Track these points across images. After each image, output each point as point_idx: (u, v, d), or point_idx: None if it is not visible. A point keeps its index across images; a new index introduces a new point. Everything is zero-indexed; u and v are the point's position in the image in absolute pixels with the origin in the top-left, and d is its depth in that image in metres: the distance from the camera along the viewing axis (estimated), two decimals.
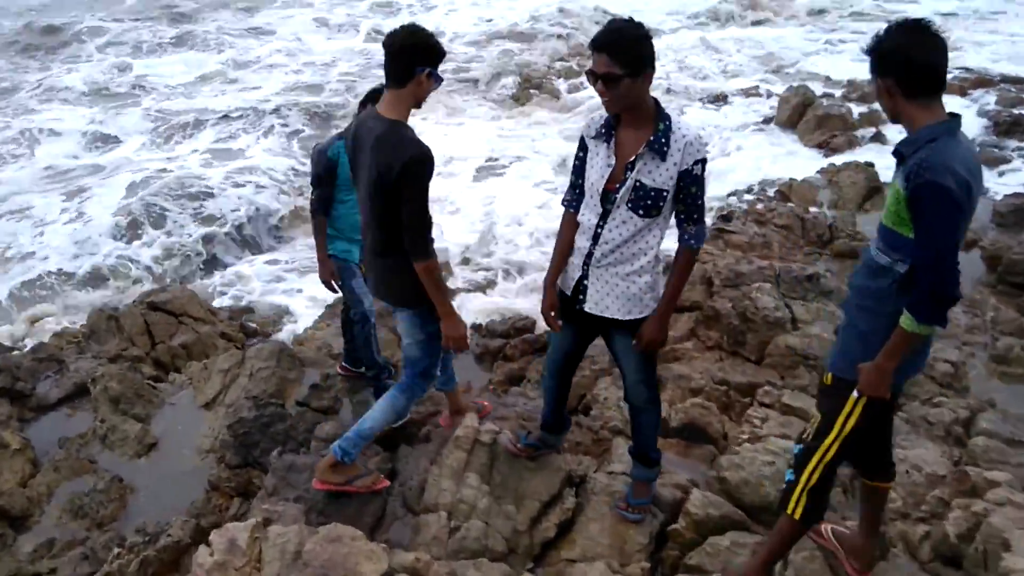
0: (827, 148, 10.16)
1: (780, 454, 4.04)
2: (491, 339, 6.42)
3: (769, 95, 12.95)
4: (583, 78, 14.63)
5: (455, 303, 4.14)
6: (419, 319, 3.67)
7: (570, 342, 3.69)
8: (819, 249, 6.81)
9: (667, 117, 3.15)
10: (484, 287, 8.46)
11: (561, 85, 15.17)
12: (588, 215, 3.34)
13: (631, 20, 3.12)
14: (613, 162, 3.25)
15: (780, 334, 5.37)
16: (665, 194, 3.15)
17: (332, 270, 4.84)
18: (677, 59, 16.46)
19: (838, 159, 9.17)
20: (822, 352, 5.20)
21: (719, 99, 13.27)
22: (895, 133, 10.33)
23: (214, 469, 4.93)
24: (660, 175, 3.14)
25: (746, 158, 10.49)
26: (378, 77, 13.00)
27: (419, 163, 3.26)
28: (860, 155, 9.44)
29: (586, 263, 3.36)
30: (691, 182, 3.13)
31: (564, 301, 3.51)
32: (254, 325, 7.43)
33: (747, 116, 11.95)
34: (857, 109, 10.87)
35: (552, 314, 3.54)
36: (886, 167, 8.68)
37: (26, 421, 5.63)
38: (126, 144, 13.73)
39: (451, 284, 8.03)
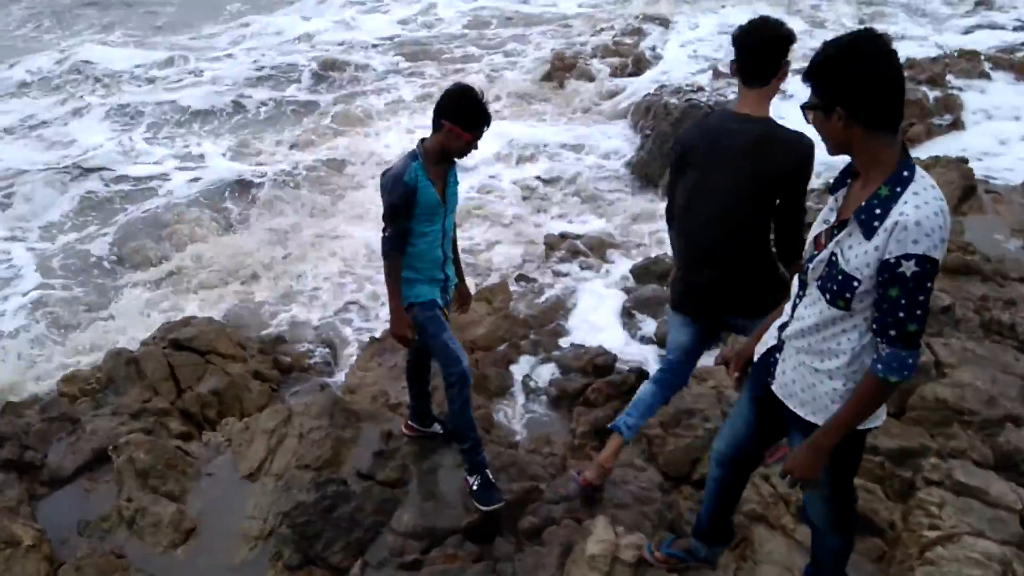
0: (903, 139, 9.15)
1: (988, 564, 3.22)
2: (567, 379, 5.55)
3: None
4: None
5: None
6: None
7: (751, 424, 2.92)
8: None
9: (902, 180, 2.28)
10: None
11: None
12: (799, 276, 2.62)
13: (847, 38, 2.29)
14: (832, 219, 2.47)
15: (925, 382, 4.53)
16: (855, 284, 2.32)
17: (410, 322, 4.01)
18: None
19: (918, 152, 8.25)
20: (978, 405, 4.37)
21: None
22: (976, 119, 9.42)
23: (268, 569, 4.08)
24: (856, 257, 2.31)
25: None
26: None
27: (811, 160, 3.19)
28: (941, 146, 8.53)
29: (781, 330, 2.68)
30: (891, 281, 2.25)
31: (755, 368, 2.80)
32: (289, 359, 6.55)
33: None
34: (931, 93, 9.86)
35: (736, 375, 2.94)
36: (975, 161, 7.81)
37: (38, 498, 4.80)
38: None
39: None
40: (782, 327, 2.67)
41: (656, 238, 8.08)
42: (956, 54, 11.65)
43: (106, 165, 11.49)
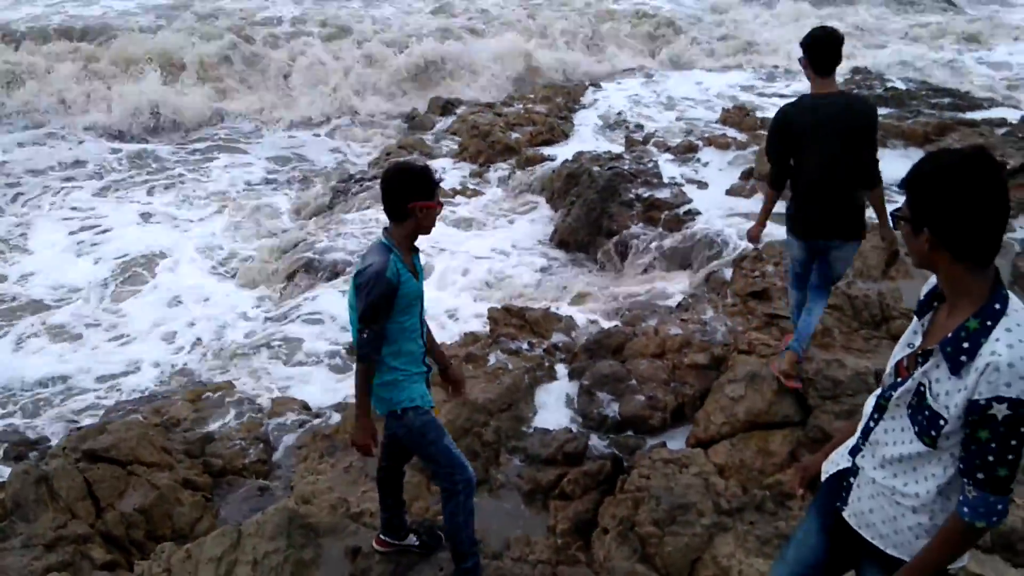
0: None
1: None
2: (537, 469, 5.08)
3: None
4: None
5: None
6: (854, 249, 4.77)
7: (820, 552, 2.59)
8: (874, 332, 5.81)
9: (994, 313, 2.04)
10: None
11: None
12: (877, 400, 2.36)
13: (952, 159, 2.06)
14: (917, 342, 2.24)
15: None
16: (942, 423, 2.09)
17: (374, 431, 3.61)
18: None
19: None
20: None
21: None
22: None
23: None
24: (944, 393, 2.09)
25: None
26: None
27: (877, 113, 4.58)
28: None
29: (853, 454, 2.42)
30: (981, 423, 2.02)
31: (824, 490, 2.54)
32: (220, 461, 5.84)
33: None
34: None
35: (801, 491, 2.71)
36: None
37: None
38: None
39: None
40: (854, 450, 2.42)
41: (603, 310, 7.77)
42: None
43: None
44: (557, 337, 6.91)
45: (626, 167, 10.44)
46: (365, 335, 3.42)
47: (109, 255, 10.86)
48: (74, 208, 12.36)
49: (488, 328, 7.08)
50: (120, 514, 4.96)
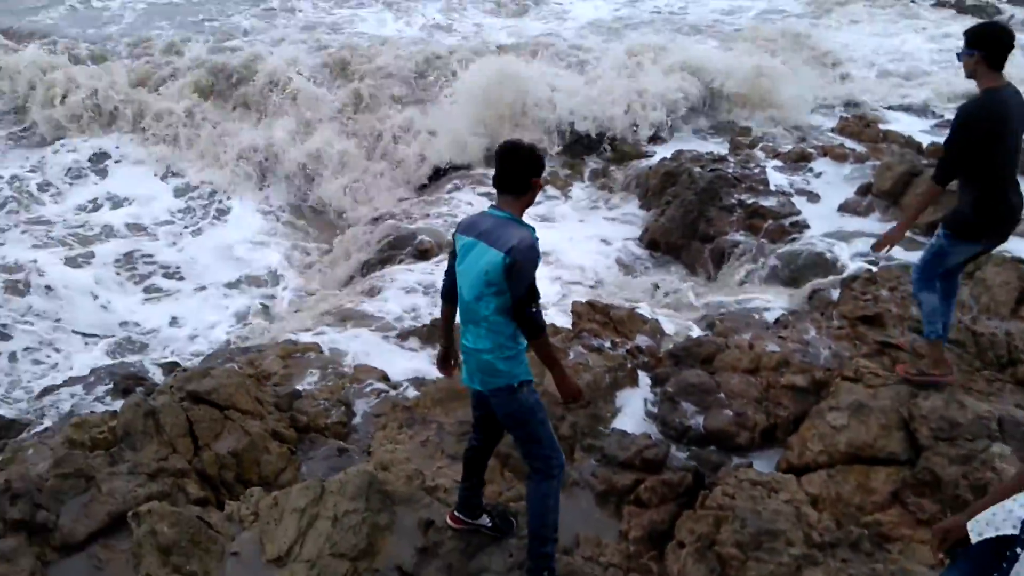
0: None
1: None
2: (614, 472, 5.19)
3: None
4: None
5: None
6: None
7: None
8: (998, 374, 5.65)
9: None
10: None
11: None
12: None
13: None
14: None
15: None
16: None
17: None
18: None
19: None
20: None
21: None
22: None
23: None
24: None
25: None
26: None
27: None
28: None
29: None
30: None
31: (976, 556, 2.38)
32: (305, 418, 6.12)
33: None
34: None
35: (941, 555, 2.57)
36: None
37: (48, 564, 4.36)
38: None
39: None
40: None
41: (692, 317, 7.77)
42: None
43: None
44: (641, 339, 6.93)
45: (730, 170, 10.33)
46: (535, 308, 3.65)
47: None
48: None
49: (571, 322, 7.16)
50: (215, 454, 5.28)
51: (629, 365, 6.31)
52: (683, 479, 4.97)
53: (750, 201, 9.65)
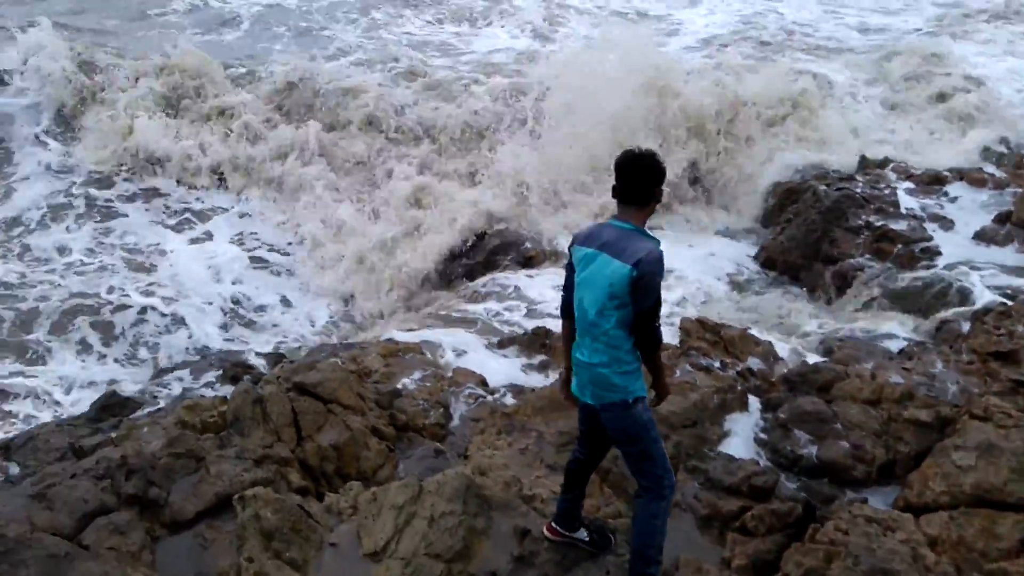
0: None
1: None
2: (719, 497, 5.05)
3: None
4: None
5: None
6: None
7: None
8: None
9: None
10: None
11: None
12: None
13: None
14: None
15: None
16: None
17: None
18: None
19: None
20: None
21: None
22: None
23: None
24: None
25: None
26: None
27: None
28: None
29: None
30: None
31: None
32: (404, 417, 6.21)
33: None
34: None
35: None
36: None
37: (157, 539, 4.56)
38: None
39: None
40: None
41: (809, 342, 7.53)
42: None
43: None
44: (753, 361, 6.74)
45: (858, 190, 9.97)
46: (657, 324, 3.65)
47: None
48: None
49: (678, 339, 7.03)
50: (317, 446, 5.42)
51: (739, 387, 6.15)
52: (793, 509, 4.81)
53: (879, 224, 9.31)
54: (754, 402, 6.08)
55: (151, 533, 4.58)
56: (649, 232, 3.68)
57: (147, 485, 4.73)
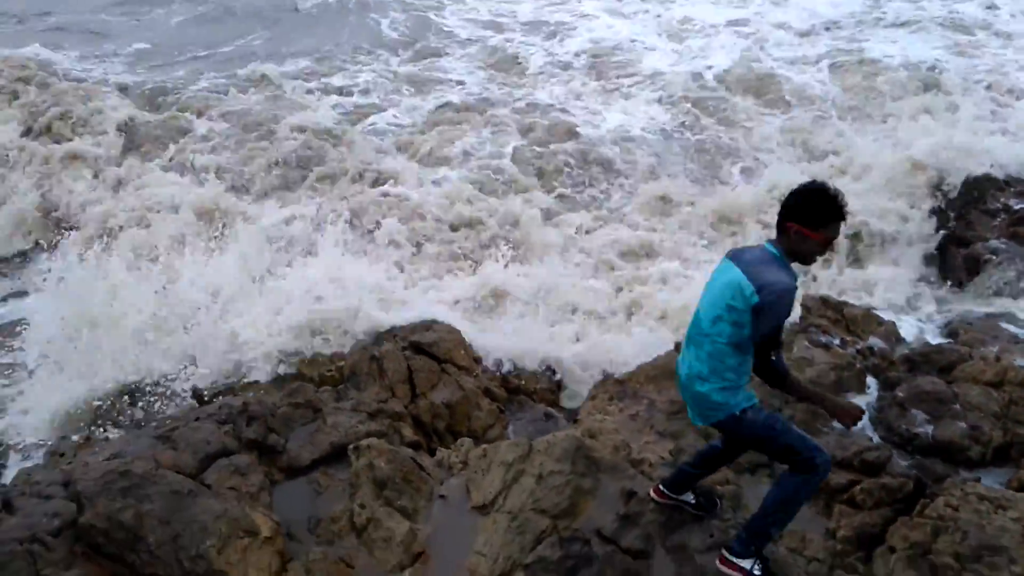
0: None
1: None
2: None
3: None
4: None
5: None
6: None
7: None
8: None
9: None
10: None
11: None
12: None
13: None
14: None
15: None
16: None
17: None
18: None
19: None
20: None
21: None
22: None
23: None
24: None
25: None
26: None
27: None
28: None
29: None
30: None
31: None
32: (517, 381, 6.51)
33: None
34: None
35: None
36: None
37: (275, 483, 4.98)
38: None
39: None
40: None
41: (934, 323, 7.41)
42: None
43: None
44: (874, 340, 6.69)
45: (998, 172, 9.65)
46: (775, 357, 3.62)
47: None
48: None
49: (799, 316, 7.04)
50: (430, 403, 5.77)
51: (858, 365, 6.14)
52: (903, 485, 4.82)
53: (1018, 207, 9.04)
54: (872, 382, 6.08)
55: (269, 476, 4.95)
56: (790, 266, 3.60)
57: (267, 431, 5.13)
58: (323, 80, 14.09)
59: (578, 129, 12.04)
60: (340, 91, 13.65)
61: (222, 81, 13.79)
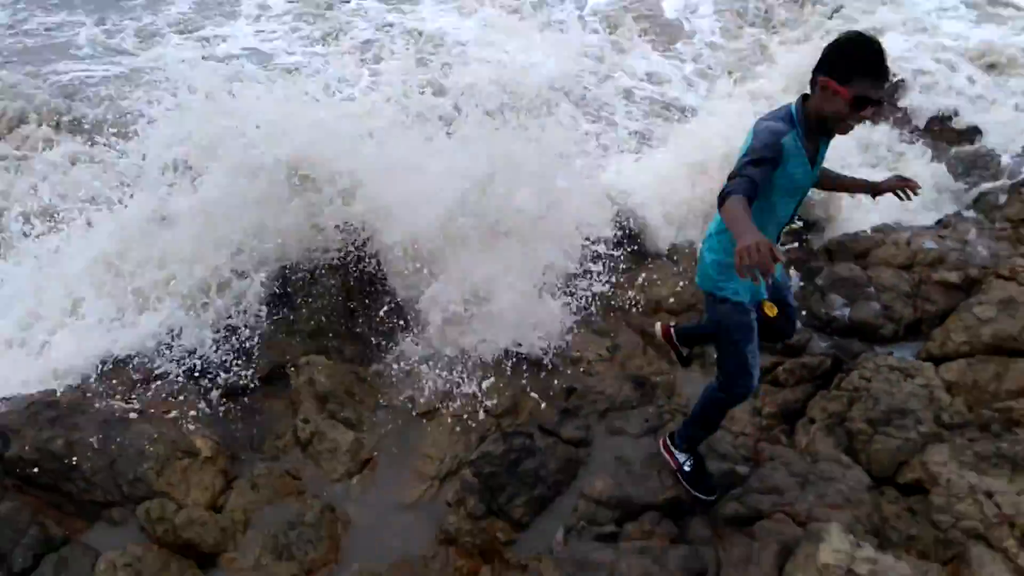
0: None
1: None
2: None
3: None
4: None
5: None
6: None
7: None
8: None
9: None
10: None
11: None
12: None
13: None
14: None
15: None
16: None
17: (771, 245, 2.73)
18: None
19: None
20: None
21: None
22: None
23: (450, 516, 4.24)
24: None
25: None
26: None
27: None
28: None
29: None
30: None
31: None
32: None
33: None
34: None
35: None
36: None
37: (213, 408, 5.03)
38: None
39: None
40: None
41: (863, 206, 7.64)
42: None
43: None
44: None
45: None
46: (733, 182, 3.02)
47: None
48: None
49: None
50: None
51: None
52: (822, 363, 5.20)
53: None
54: (794, 274, 6.40)
55: (207, 401, 4.96)
56: (792, 118, 3.28)
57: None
58: None
59: None
60: None
61: None
